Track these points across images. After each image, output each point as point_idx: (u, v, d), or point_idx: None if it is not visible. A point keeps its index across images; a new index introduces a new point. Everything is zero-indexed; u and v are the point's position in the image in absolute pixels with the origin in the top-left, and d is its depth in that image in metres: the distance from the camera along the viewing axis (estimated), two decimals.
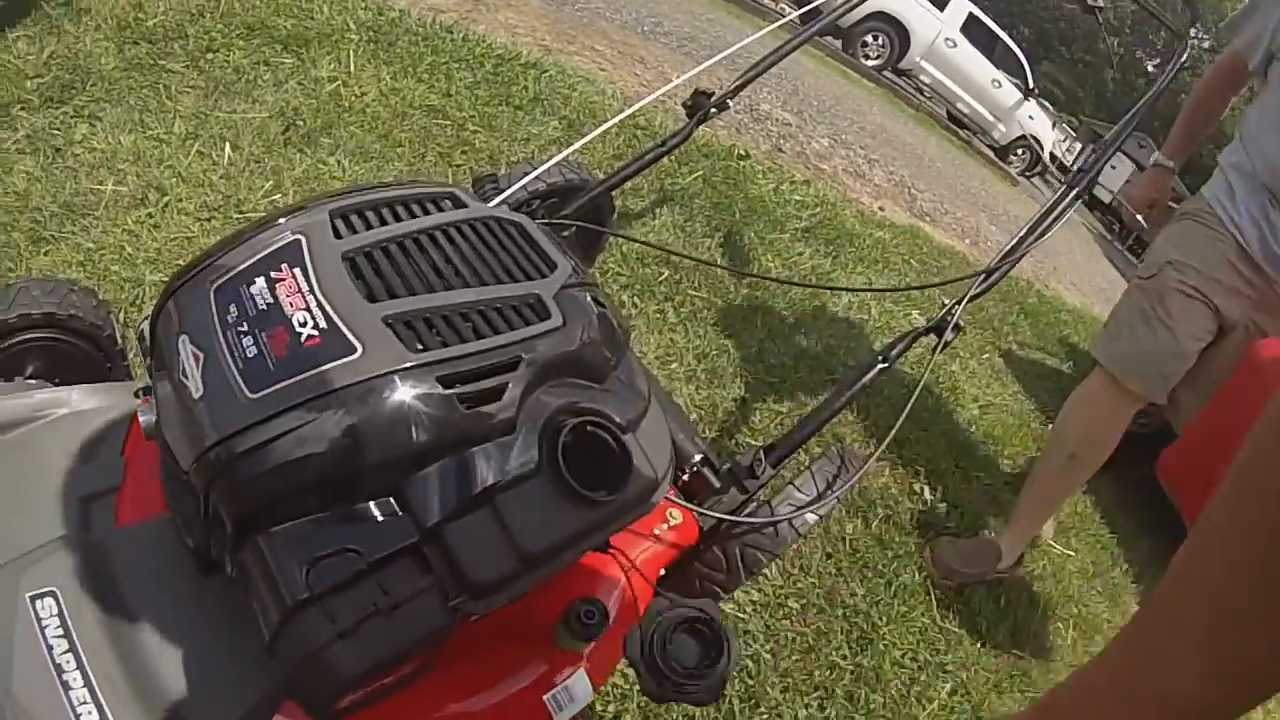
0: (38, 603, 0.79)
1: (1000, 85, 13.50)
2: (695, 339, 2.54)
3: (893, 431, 1.53)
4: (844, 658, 1.96)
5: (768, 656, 1.86)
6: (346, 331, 0.74)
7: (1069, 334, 5.26)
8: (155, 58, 2.51)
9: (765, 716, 1.77)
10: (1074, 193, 1.84)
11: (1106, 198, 16.97)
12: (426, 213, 0.93)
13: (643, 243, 2.65)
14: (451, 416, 0.74)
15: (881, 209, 4.80)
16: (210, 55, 2.63)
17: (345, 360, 0.73)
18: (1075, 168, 1.91)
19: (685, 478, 1.45)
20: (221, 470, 0.71)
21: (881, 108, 9.10)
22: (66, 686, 0.75)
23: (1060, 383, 4.38)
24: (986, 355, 3.95)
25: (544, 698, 0.99)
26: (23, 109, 2.18)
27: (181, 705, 0.77)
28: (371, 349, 0.74)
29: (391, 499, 0.74)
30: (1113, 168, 17.29)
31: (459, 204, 0.98)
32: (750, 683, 1.80)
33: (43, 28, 2.45)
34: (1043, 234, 1.79)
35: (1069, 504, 3.08)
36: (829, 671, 1.92)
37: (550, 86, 3.51)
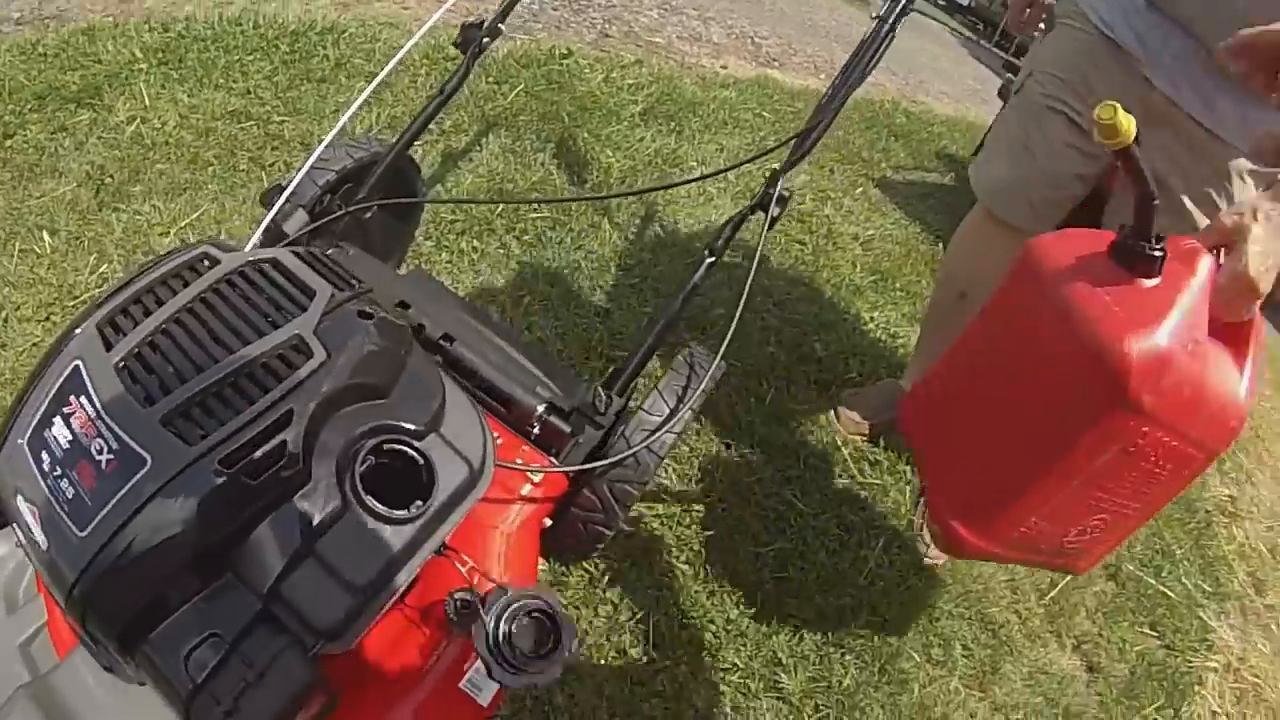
0: None
1: None
2: (545, 264, 2.42)
3: (733, 325, 1.43)
4: (765, 545, 1.92)
5: (684, 567, 1.82)
6: (134, 445, 0.77)
7: (945, 145, 5.19)
8: None
9: (695, 623, 1.72)
10: (887, 26, 1.68)
11: (966, 1, 16.87)
12: (186, 284, 0.93)
13: (445, 201, 2.51)
14: (244, 491, 0.76)
15: (724, 67, 4.64)
16: (8, 142, 2.43)
17: (139, 475, 0.75)
18: None
19: (536, 430, 1.37)
20: (83, 607, 0.75)
21: None
22: None
23: (945, 198, 4.33)
24: (860, 189, 3.87)
25: (459, 686, 1.04)
26: None
27: None
28: (157, 455, 0.76)
29: (230, 576, 0.78)
30: None
31: (213, 262, 0.96)
32: (674, 598, 1.75)
33: None
34: (862, 75, 1.64)
35: None
36: (752, 563, 1.88)
37: (352, 46, 3.28)
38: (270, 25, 3.28)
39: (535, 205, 2.61)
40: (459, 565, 0.98)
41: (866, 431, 2.33)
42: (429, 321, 1.43)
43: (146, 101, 2.69)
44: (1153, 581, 2.42)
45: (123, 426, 0.78)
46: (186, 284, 0.92)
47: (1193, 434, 1.16)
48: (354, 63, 3.18)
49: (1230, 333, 1.15)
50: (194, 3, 3.42)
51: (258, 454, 0.77)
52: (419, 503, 0.84)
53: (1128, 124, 0.87)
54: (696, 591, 1.78)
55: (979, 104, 6.84)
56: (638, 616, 1.70)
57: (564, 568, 1.72)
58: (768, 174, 1.55)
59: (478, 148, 2.89)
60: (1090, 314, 1.14)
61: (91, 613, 0.76)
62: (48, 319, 1.99)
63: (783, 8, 7.21)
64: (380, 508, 0.81)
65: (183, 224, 2.28)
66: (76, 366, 0.84)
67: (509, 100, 3.22)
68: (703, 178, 2.92)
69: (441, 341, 1.41)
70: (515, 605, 0.87)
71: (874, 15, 1.64)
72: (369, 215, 1.74)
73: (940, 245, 3.65)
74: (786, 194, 1.54)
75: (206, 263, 0.96)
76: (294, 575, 0.78)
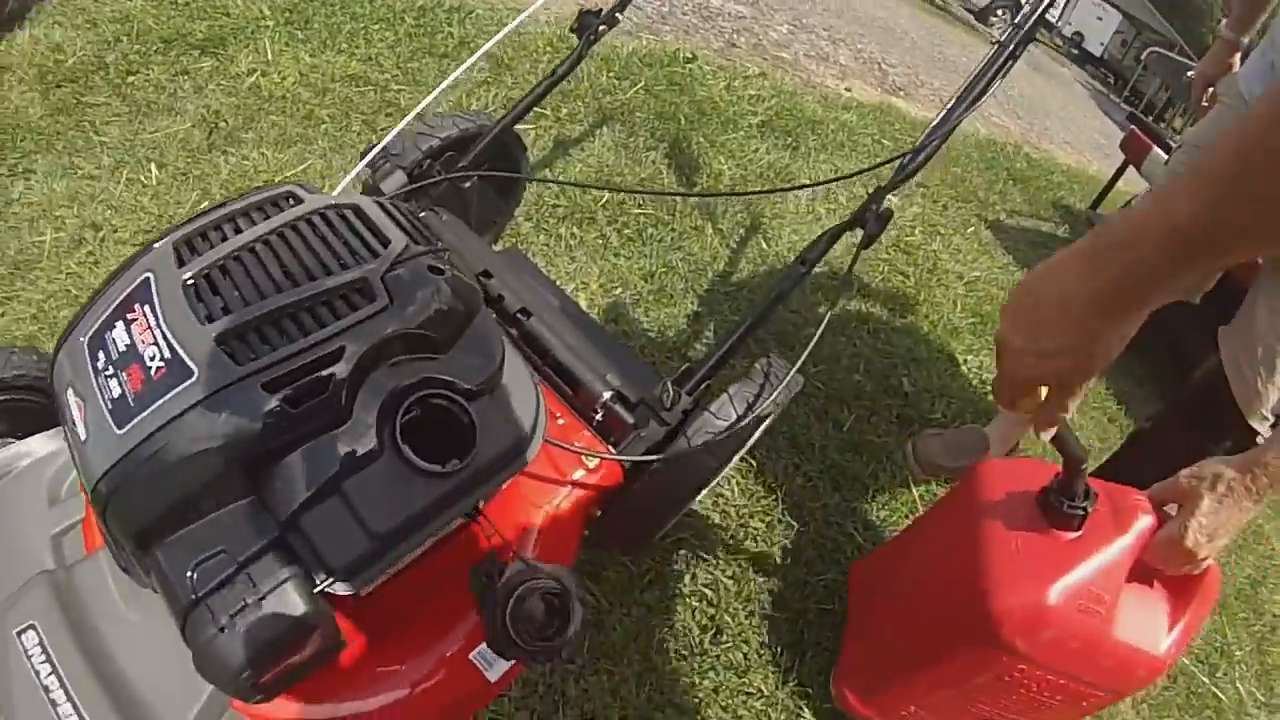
0: (22, 637, 0.91)
1: None
2: (641, 260, 2.40)
3: (814, 338, 1.40)
4: (817, 574, 1.87)
5: (728, 581, 1.77)
6: (185, 357, 0.79)
7: (1063, 195, 5.05)
8: (78, 95, 2.43)
9: (729, 645, 1.69)
10: (1007, 52, 1.63)
11: (1098, 51, 16.42)
12: (267, 217, 0.95)
13: (546, 180, 2.50)
14: (282, 418, 0.77)
15: (848, 90, 4.58)
16: (130, 79, 2.54)
17: (185, 385, 0.77)
18: (1012, 22, 1.71)
19: (599, 417, 1.36)
20: (107, 501, 0.77)
21: None
22: (55, 705, 0.88)
23: (1055, 248, 4.18)
24: (971, 229, 3.78)
25: (470, 657, 1.04)
26: None
27: (150, 712, 0.89)
28: (204, 370, 0.78)
29: (255, 499, 0.79)
30: (1098, 19, 16.70)
31: (296, 201, 0.99)
32: (712, 611, 1.72)
33: None
34: (976, 100, 1.59)
35: None
36: (799, 590, 1.83)
37: (477, 28, 3.32)
38: None
39: (639, 200, 2.59)
40: (487, 535, 0.98)
41: (939, 475, 2.26)
42: (509, 294, 1.44)
43: (269, 56, 2.76)
44: (1205, 680, 2.28)
45: (178, 338, 0.80)
46: (267, 217, 0.94)
47: (1085, 677, 1.25)
48: (478, 42, 3.21)
49: (1178, 582, 1.23)
50: None
51: (302, 382, 0.78)
52: (456, 461, 0.83)
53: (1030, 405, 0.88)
54: (736, 609, 1.74)
55: (1102, 158, 6.65)
56: (669, 624, 1.67)
57: (605, 561, 1.70)
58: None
59: (590, 138, 2.90)
60: (995, 554, 1.26)
61: (113, 508, 0.78)
62: (143, 244, 2.03)
63: (915, 38, 7.11)
64: (415, 458, 0.81)
65: (288, 174, 2.33)
66: (147, 278, 0.87)
67: (627, 96, 3.22)
68: (803, 186, 2.87)
69: (519, 315, 1.41)
70: (530, 583, 0.87)
71: (993, 40, 1.59)
72: (468, 185, 1.77)
73: None
74: (887, 213, 1.50)
75: (290, 200, 0.98)
76: (316, 509, 0.78)
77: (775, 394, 1.42)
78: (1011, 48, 1.58)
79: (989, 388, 2.72)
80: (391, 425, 0.82)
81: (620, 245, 2.43)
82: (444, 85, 1.64)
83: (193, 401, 0.76)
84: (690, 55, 3.75)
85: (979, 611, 1.23)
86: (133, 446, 0.76)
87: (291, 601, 0.77)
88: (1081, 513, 1.22)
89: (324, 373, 0.79)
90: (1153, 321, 1.93)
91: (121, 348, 0.82)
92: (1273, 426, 1.74)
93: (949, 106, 1.56)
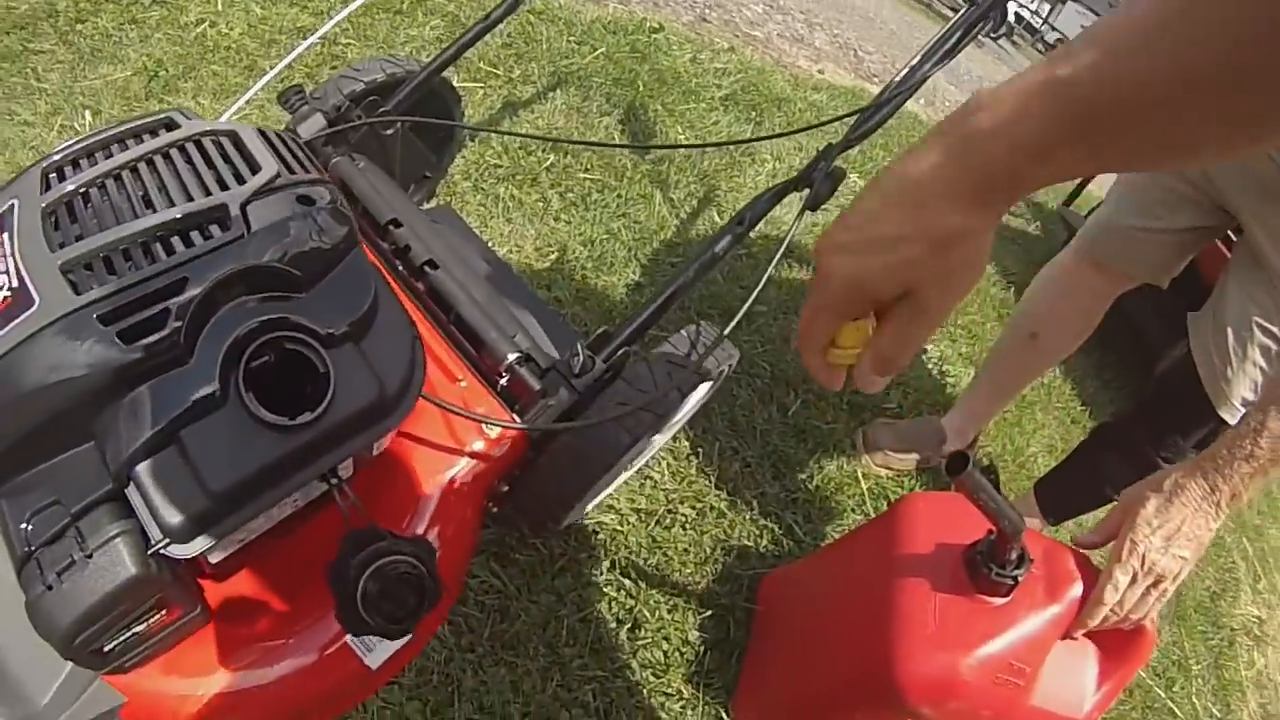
0: None
1: None
2: (583, 225, 2.24)
3: (746, 304, 1.24)
4: (748, 568, 1.72)
5: (651, 572, 1.62)
6: (30, 286, 0.73)
7: (1034, 194, 4.94)
8: (25, 43, 2.29)
9: (647, 641, 1.54)
10: (973, 17, 1.44)
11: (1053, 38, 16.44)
12: (140, 143, 0.88)
13: (472, 128, 2.34)
14: (114, 354, 0.70)
15: (821, 72, 4.43)
16: (79, 26, 2.39)
17: (24, 316, 0.71)
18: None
19: (504, 382, 1.21)
20: None
21: None
22: None
23: (1026, 245, 4.11)
24: None
25: (347, 640, 0.96)
26: None
27: (13, 684, 0.79)
28: (45, 299, 0.72)
29: (94, 444, 0.73)
30: (1082, 27, 16.72)
31: (173, 126, 0.92)
32: (630, 603, 1.57)
33: None
34: (940, 60, 1.43)
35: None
36: (728, 584, 1.68)
37: None
38: None
39: (586, 164, 2.43)
40: (344, 503, 0.84)
41: (892, 466, 2.12)
42: (418, 244, 1.30)
43: (219, 6, 2.60)
44: (1162, 694, 2.19)
45: (27, 267, 0.74)
46: (141, 142, 0.87)
47: None
48: (435, 1, 3.04)
49: (1109, 638, 1.13)
50: None
51: (138, 317, 0.71)
52: (307, 414, 0.75)
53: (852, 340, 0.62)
54: (658, 602, 1.59)
55: None
56: (581, 614, 1.52)
57: (515, 543, 1.54)
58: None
59: (541, 100, 2.73)
60: (912, 611, 1.15)
61: None
62: None
63: (894, 28, 6.98)
64: (259, 409, 0.73)
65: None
66: (12, 204, 0.81)
67: (586, 61, 3.04)
68: (745, 141, 2.72)
69: (425, 267, 1.27)
70: (382, 561, 0.78)
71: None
72: (390, 132, 1.64)
73: (1013, 291, 3.44)
74: (839, 173, 1.34)
75: (167, 127, 0.91)
76: (150, 460, 0.71)
77: (700, 363, 1.27)
78: (985, 6, 1.42)
79: (949, 379, 2.59)
80: (236, 369, 0.74)
81: (562, 209, 2.27)
82: (330, 26, 1.47)
83: (28, 334, 0.70)
84: (658, 25, 3.58)
85: (887, 673, 1.13)
86: None
87: (120, 561, 0.71)
88: (1011, 582, 1.09)
89: (162, 306, 0.72)
90: (1118, 316, 1.80)
91: None
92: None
93: (913, 62, 1.40)
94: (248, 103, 2.21)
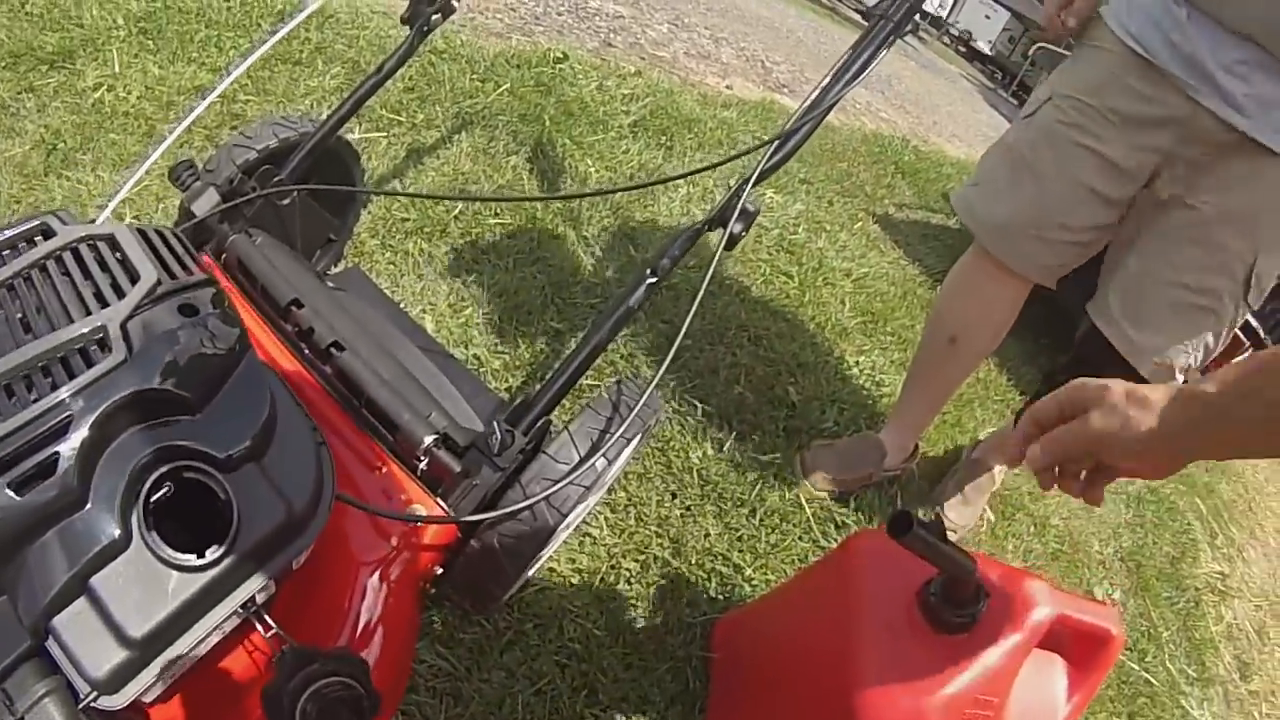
0: None
1: None
2: (497, 274, 2.18)
3: (667, 358, 1.20)
4: (700, 614, 1.67)
5: (600, 634, 1.56)
6: None
7: (954, 187, 4.95)
8: None
9: (605, 706, 1.48)
10: (885, 33, 1.37)
11: (987, 49, 16.80)
12: (17, 255, 0.83)
13: (375, 192, 2.27)
14: (11, 509, 0.65)
15: (729, 88, 4.43)
16: None
17: None
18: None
19: (424, 465, 1.15)
20: None
21: None
22: None
23: (949, 240, 4.14)
24: (859, 224, 3.66)
25: None
26: None
27: None
28: None
29: (6, 599, 0.68)
30: (986, 17, 17.08)
31: (48, 235, 0.86)
32: (584, 668, 1.51)
33: None
34: (852, 79, 1.37)
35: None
36: (681, 635, 1.63)
37: (336, 31, 3.06)
38: (257, 3, 3.08)
39: (495, 210, 2.37)
40: (263, 629, 0.81)
41: (833, 488, 2.09)
42: (321, 326, 1.23)
43: (117, 69, 2.51)
44: (1135, 667, 2.21)
45: None
46: (17, 255, 0.83)
47: None
48: (335, 47, 2.97)
49: (1078, 647, 1.14)
50: None
51: (27, 465, 0.66)
52: (216, 547, 0.71)
53: None
54: (611, 663, 1.53)
55: None
56: (535, 688, 1.45)
57: (458, 622, 1.47)
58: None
59: (447, 145, 2.67)
60: (870, 656, 1.12)
61: None
62: None
63: (800, 36, 7.05)
64: (164, 549, 0.69)
65: (125, 197, 2.07)
66: None
67: (490, 99, 2.99)
68: (654, 183, 2.69)
69: (331, 349, 1.20)
70: (317, 685, 0.73)
71: (873, 12, 1.39)
72: (287, 202, 1.56)
73: (938, 289, 3.44)
74: (752, 209, 1.30)
75: (42, 236, 0.86)
76: (64, 610, 0.67)
77: (625, 426, 1.21)
78: (898, 18, 1.36)
79: (884, 390, 2.57)
80: (138, 508, 0.69)
81: (473, 259, 2.21)
82: (221, 87, 1.40)
83: None
84: (561, 55, 3.55)
85: None
86: None
87: None
88: (970, 620, 1.07)
89: (49, 450, 0.67)
90: (1042, 299, 1.80)
91: None
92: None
93: (823, 84, 1.37)
94: (148, 172, 2.14)
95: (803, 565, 1.88)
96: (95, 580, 0.67)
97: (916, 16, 1.44)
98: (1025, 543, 2.40)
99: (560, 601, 1.57)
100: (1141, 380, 1.64)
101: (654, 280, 1.29)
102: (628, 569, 1.68)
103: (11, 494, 0.65)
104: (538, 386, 1.27)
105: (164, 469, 0.71)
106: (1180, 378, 1.69)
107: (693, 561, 1.76)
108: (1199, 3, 1.47)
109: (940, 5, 15.96)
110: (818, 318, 2.73)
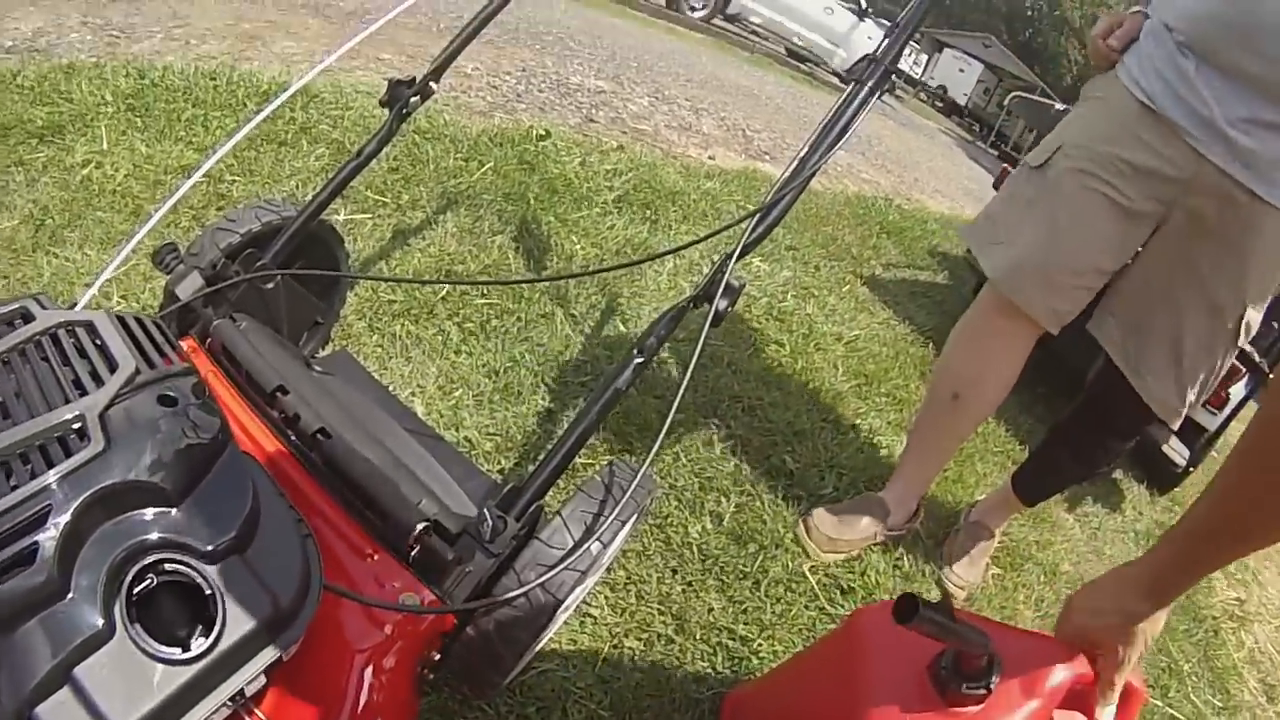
0: None
1: (833, 11, 13.38)
2: (485, 355, 2.18)
3: (660, 437, 1.19)
4: (707, 689, 1.64)
5: (605, 714, 1.52)
6: None
7: (939, 243, 5.05)
8: None
9: None
10: (860, 98, 1.40)
11: (963, 101, 17.11)
12: None
13: (359, 277, 2.28)
14: None
15: (712, 158, 4.50)
16: None
17: None
18: (865, 59, 1.53)
19: (415, 553, 1.12)
20: None
21: (712, 56, 8.80)
22: None
23: (938, 297, 4.17)
24: (847, 287, 3.68)
25: None
26: None
27: None
28: None
29: None
30: (960, 71, 17.45)
31: (29, 319, 0.86)
32: None
33: None
34: (831, 146, 1.39)
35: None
36: (689, 712, 1.59)
37: (321, 111, 3.13)
38: (243, 83, 3.17)
39: (483, 291, 2.38)
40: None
41: (839, 551, 2.07)
42: (307, 412, 1.20)
43: (105, 145, 2.56)
44: (1160, 703, 2.17)
45: None
46: None
47: None
48: (320, 128, 3.03)
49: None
50: (178, 54, 3.40)
51: (6, 554, 0.65)
52: (202, 640, 0.70)
53: None
54: None
55: (974, 203, 6.76)
56: None
57: (456, 705, 1.44)
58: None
59: (432, 225, 2.70)
60: None
61: None
62: None
63: (779, 103, 7.18)
64: (148, 643, 0.68)
65: (110, 277, 2.07)
66: None
67: (474, 178, 3.04)
68: (641, 260, 2.71)
69: (317, 436, 1.18)
70: None
71: (848, 78, 1.42)
72: (271, 286, 1.56)
73: (931, 346, 3.46)
74: (737, 283, 1.31)
75: (20, 320, 0.86)
76: (50, 700, 0.65)
77: (619, 508, 1.20)
78: (870, 84, 1.40)
79: (882, 452, 2.57)
80: (118, 598, 0.69)
81: (461, 341, 2.21)
82: (206, 165, 1.42)
83: None
84: (544, 132, 3.61)
85: None
86: None
87: None
88: (984, 692, 1.04)
89: (29, 540, 0.66)
90: (1041, 348, 1.86)
91: None
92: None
93: (801, 154, 1.39)
94: (135, 251, 2.15)
95: (810, 634, 1.85)
96: (79, 671, 0.66)
97: (893, 76, 1.47)
98: (1036, 592, 2.37)
99: (562, 683, 1.54)
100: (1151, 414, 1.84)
101: (641, 360, 1.29)
102: (630, 648, 1.65)
103: None
104: (531, 469, 1.26)
105: (146, 561, 0.70)
106: (1183, 413, 1.83)
107: (697, 637, 1.73)
108: (1207, 56, 1.52)
109: (915, 64, 16.31)
110: (811, 383, 2.73)
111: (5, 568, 0.65)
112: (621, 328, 2.54)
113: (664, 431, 1.21)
